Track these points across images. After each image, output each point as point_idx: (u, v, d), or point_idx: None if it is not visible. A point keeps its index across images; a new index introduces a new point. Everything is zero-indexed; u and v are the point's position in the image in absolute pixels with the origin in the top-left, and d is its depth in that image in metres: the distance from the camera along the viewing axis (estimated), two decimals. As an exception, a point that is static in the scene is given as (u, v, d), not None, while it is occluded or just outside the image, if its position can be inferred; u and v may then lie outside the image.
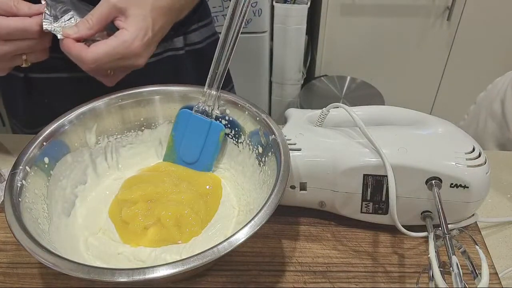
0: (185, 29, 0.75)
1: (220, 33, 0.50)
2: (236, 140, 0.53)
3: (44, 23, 0.50)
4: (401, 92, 1.82)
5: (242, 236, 0.36)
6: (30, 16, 0.51)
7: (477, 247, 0.39)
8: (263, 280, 0.46)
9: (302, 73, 1.77)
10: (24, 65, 0.54)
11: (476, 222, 0.51)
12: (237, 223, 0.48)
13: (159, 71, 0.73)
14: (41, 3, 0.52)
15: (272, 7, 1.60)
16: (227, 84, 0.87)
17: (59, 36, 0.51)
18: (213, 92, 0.52)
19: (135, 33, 0.51)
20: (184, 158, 0.55)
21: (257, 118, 0.50)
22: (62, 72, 0.68)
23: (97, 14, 0.51)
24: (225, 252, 0.35)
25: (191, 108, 0.54)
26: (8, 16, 0.50)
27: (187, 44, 0.76)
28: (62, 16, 0.52)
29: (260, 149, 0.50)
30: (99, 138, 0.53)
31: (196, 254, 0.35)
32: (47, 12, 0.51)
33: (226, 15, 0.49)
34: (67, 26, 0.52)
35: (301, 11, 1.58)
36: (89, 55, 0.49)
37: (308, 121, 0.54)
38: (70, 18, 0.53)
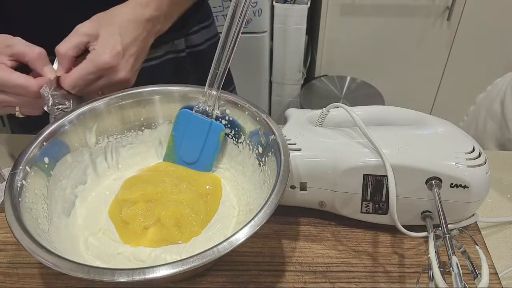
0: (186, 30, 0.75)
1: (221, 32, 0.51)
2: (236, 140, 0.53)
3: (44, 87, 0.51)
4: (401, 92, 1.82)
5: (242, 236, 0.36)
6: (36, 75, 0.52)
7: (477, 247, 0.39)
8: (263, 280, 0.46)
9: (302, 73, 1.77)
10: (17, 115, 0.54)
11: (476, 222, 0.51)
12: (237, 223, 0.48)
13: (161, 74, 0.73)
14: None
15: (272, 7, 1.60)
16: (229, 86, 0.86)
17: (45, 108, 0.52)
18: (213, 92, 0.52)
19: (101, 50, 0.52)
20: (184, 158, 0.55)
21: (257, 118, 0.50)
22: None
23: (67, 44, 0.52)
24: (225, 252, 0.35)
25: (191, 108, 0.54)
26: (18, 61, 0.51)
27: (188, 46, 0.76)
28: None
29: (260, 149, 0.50)
30: (99, 138, 0.53)
31: (196, 254, 0.35)
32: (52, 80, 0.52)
33: (226, 15, 0.49)
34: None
35: (301, 11, 1.58)
36: (66, 81, 0.52)
37: (308, 121, 0.54)
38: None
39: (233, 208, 0.50)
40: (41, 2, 0.62)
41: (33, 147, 0.46)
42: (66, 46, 0.52)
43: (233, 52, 0.50)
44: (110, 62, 0.52)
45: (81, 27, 0.53)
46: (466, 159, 0.45)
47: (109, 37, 0.53)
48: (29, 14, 0.64)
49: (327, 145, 0.49)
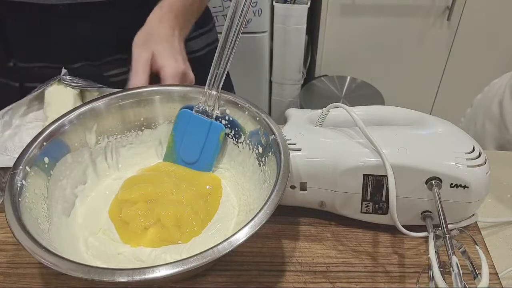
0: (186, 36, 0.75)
1: (219, 32, 0.51)
2: (236, 140, 0.53)
3: None
4: (401, 92, 1.82)
5: (242, 236, 0.36)
6: None
7: (477, 247, 0.39)
8: (263, 280, 0.46)
9: (302, 73, 1.77)
10: None
11: (476, 222, 0.51)
12: (237, 223, 0.48)
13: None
14: None
15: (272, 7, 1.60)
16: (229, 90, 0.86)
17: None
18: (213, 92, 0.52)
19: (169, 63, 0.59)
20: (184, 158, 0.55)
21: (257, 118, 0.50)
22: None
23: (142, 62, 0.58)
24: (225, 252, 0.35)
25: (191, 108, 0.54)
26: None
27: (187, 52, 0.76)
28: None
29: (260, 149, 0.50)
30: (99, 138, 0.53)
31: (196, 254, 0.35)
32: None
33: (226, 15, 0.49)
34: None
35: (301, 11, 1.58)
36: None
37: (308, 121, 0.54)
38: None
39: (233, 208, 0.50)
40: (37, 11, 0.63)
41: (33, 147, 0.46)
42: (144, 80, 0.57)
43: (233, 52, 0.50)
44: (184, 68, 0.60)
45: (137, 45, 0.59)
46: (466, 159, 0.45)
47: (164, 51, 0.59)
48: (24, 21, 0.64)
49: (327, 145, 0.49)
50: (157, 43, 0.59)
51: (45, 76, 0.67)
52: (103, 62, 0.69)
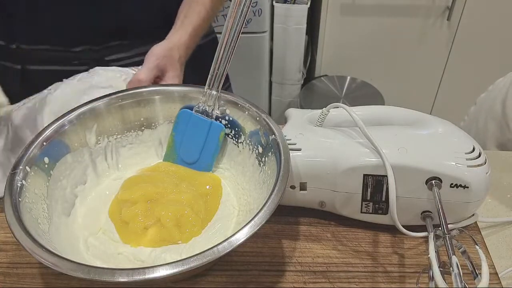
0: None
1: (218, 32, 0.51)
2: (236, 140, 0.53)
3: None
4: (401, 92, 1.82)
5: (242, 236, 0.36)
6: None
7: (477, 247, 0.39)
8: (263, 280, 0.46)
9: (302, 73, 1.77)
10: None
11: (476, 222, 0.51)
12: (237, 223, 0.48)
13: None
14: None
15: (272, 7, 1.60)
16: (224, 83, 0.87)
17: None
18: (213, 92, 0.52)
19: None
20: (184, 158, 0.55)
21: (257, 118, 0.50)
22: (59, 65, 0.69)
23: (147, 75, 0.59)
24: (225, 252, 0.35)
25: (191, 108, 0.54)
26: None
27: None
28: None
29: (260, 149, 0.50)
30: (99, 138, 0.53)
31: (196, 254, 0.35)
32: None
33: (226, 15, 0.49)
34: None
35: (301, 11, 1.58)
36: None
37: (308, 121, 0.54)
38: None
39: (233, 208, 0.50)
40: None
41: (33, 147, 0.46)
42: (147, 77, 0.58)
43: (233, 52, 0.50)
44: None
45: (156, 52, 0.60)
46: (466, 159, 0.45)
47: (173, 77, 0.61)
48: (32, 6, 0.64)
49: (327, 145, 0.49)
50: (172, 61, 0.62)
51: (47, 59, 0.67)
52: (103, 47, 0.69)
